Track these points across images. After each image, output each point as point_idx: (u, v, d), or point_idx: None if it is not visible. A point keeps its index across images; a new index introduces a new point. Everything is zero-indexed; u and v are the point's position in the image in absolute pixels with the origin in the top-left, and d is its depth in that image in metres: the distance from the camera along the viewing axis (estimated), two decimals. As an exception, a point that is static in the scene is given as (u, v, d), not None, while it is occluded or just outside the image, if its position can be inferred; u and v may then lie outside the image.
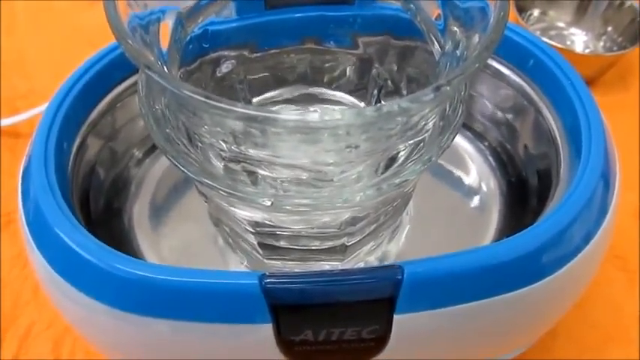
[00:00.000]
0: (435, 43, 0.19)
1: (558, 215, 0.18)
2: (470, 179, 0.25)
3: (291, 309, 0.17)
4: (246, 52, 0.23)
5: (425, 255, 0.17)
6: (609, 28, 0.41)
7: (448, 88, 0.14)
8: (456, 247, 0.21)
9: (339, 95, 0.24)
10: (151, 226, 0.23)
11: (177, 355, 0.19)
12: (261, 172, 0.18)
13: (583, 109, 0.21)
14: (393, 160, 0.18)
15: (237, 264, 0.23)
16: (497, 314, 0.18)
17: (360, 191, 0.16)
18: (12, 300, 0.31)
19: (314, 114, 0.13)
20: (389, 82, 0.23)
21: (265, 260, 0.22)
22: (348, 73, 0.24)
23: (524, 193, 0.23)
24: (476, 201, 0.24)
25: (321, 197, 0.16)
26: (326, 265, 0.22)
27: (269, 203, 0.16)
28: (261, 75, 0.24)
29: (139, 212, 0.24)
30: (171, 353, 0.19)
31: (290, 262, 0.22)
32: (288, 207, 0.16)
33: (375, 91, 0.23)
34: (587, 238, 0.19)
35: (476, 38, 0.16)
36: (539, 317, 0.20)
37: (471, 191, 0.24)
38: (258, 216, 0.19)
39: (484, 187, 0.24)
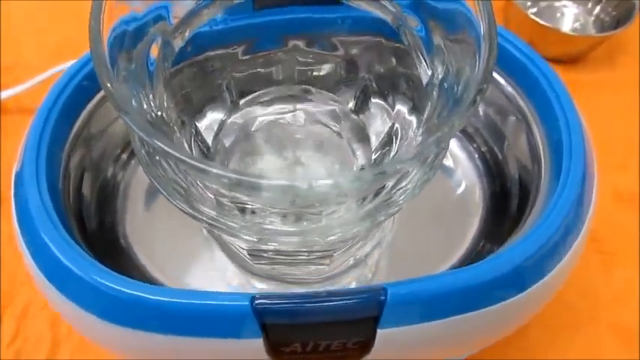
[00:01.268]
0: (422, 61, 0.19)
1: (530, 240, 0.19)
2: (456, 181, 0.26)
3: (280, 327, 0.18)
4: (233, 54, 0.23)
5: (407, 253, 0.18)
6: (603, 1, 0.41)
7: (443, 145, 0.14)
8: (436, 247, 0.22)
9: (325, 95, 0.24)
10: (143, 227, 0.24)
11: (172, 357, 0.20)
12: (249, 206, 0.18)
13: (567, 129, 0.21)
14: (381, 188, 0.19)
15: (228, 267, 0.24)
16: (472, 326, 0.19)
17: (352, 224, 0.17)
18: (8, 280, 0.32)
19: (302, 183, 0.14)
20: (373, 84, 0.23)
21: (254, 264, 0.23)
22: (333, 73, 0.24)
23: (506, 201, 0.23)
24: (460, 202, 0.25)
25: (309, 231, 0.17)
26: (312, 268, 0.23)
27: (255, 239, 0.17)
28: (248, 75, 0.24)
29: (131, 217, 0.24)
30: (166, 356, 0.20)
31: (278, 266, 0.23)
32: (274, 243, 0.17)
33: (359, 93, 0.24)
34: (559, 258, 0.20)
35: (466, 71, 0.16)
36: (514, 323, 0.21)
37: (455, 192, 0.25)
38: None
39: (469, 190, 0.25)
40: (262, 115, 0.25)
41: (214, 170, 0.13)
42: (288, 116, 0.25)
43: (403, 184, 0.17)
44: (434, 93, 0.18)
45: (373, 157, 0.23)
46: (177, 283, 0.23)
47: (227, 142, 0.24)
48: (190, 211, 0.18)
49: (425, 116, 0.18)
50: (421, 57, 0.19)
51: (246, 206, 0.18)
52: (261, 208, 0.18)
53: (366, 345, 0.19)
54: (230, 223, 0.17)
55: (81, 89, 0.22)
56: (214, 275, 0.24)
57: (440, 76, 0.18)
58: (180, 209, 0.18)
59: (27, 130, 0.23)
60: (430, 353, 0.21)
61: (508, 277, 0.19)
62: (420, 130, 0.18)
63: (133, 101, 0.16)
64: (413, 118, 0.20)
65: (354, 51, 0.23)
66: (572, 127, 0.22)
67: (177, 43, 0.19)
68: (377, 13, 0.20)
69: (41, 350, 0.30)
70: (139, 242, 0.24)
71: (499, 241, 0.22)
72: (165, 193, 0.18)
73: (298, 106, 0.25)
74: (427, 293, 0.18)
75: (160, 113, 0.18)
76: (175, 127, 0.19)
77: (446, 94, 0.17)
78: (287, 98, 0.25)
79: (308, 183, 0.13)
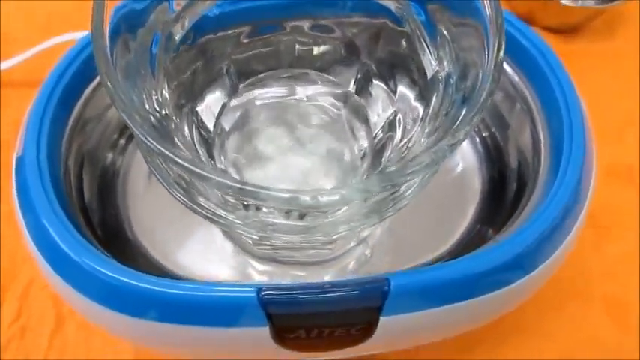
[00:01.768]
0: (427, 51, 0.19)
1: (532, 228, 0.19)
2: (455, 163, 0.26)
3: (285, 316, 0.19)
4: (233, 37, 0.22)
5: (406, 232, 0.19)
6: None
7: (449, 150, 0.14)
8: (434, 228, 0.23)
9: (325, 77, 0.24)
10: (144, 211, 0.24)
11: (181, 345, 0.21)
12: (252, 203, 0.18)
13: (568, 117, 0.21)
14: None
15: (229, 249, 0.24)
16: (474, 310, 0.20)
17: (358, 221, 0.17)
18: (9, 258, 0.32)
19: (305, 196, 0.14)
20: (374, 67, 0.23)
21: (256, 248, 0.23)
22: (334, 55, 0.23)
23: (504, 186, 0.24)
24: (459, 185, 0.25)
25: (314, 227, 0.17)
26: (314, 252, 0.23)
27: (257, 237, 0.17)
28: (248, 58, 0.23)
29: (133, 202, 0.24)
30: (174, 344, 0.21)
31: (280, 250, 0.23)
32: (277, 241, 0.17)
33: (360, 75, 0.23)
34: (560, 241, 0.20)
35: (474, 64, 0.16)
36: (513, 304, 0.22)
37: (454, 175, 0.25)
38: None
39: (468, 173, 0.25)
40: (262, 96, 0.24)
41: (216, 178, 0.13)
42: (288, 97, 0.25)
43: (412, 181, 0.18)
44: (440, 87, 0.18)
45: (375, 142, 0.23)
46: (178, 266, 0.23)
47: (227, 125, 0.24)
48: (191, 204, 0.18)
49: (431, 109, 0.18)
50: (425, 46, 0.19)
51: (250, 203, 0.18)
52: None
53: (369, 330, 0.20)
54: (232, 219, 0.17)
55: (80, 74, 0.22)
56: (215, 258, 0.24)
57: (446, 70, 0.17)
58: (180, 202, 0.18)
59: (26, 115, 0.23)
60: (432, 335, 0.22)
61: (510, 264, 0.19)
62: (428, 125, 0.18)
63: (134, 97, 0.16)
64: (418, 106, 0.20)
65: (355, 32, 0.22)
66: (572, 115, 0.22)
67: (178, 32, 0.19)
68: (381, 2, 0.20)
69: (46, 326, 0.30)
70: (141, 226, 0.24)
71: (496, 225, 0.22)
72: (165, 185, 0.18)
73: (298, 87, 0.25)
74: (429, 283, 0.19)
75: (161, 110, 0.17)
76: (174, 114, 0.19)
77: (454, 89, 0.17)
78: (287, 80, 0.24)
79: (312, 196, 0.14)
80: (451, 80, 0.17)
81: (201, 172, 0.13)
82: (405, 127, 0.20)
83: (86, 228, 0.21)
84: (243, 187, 0.13)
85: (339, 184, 0.24)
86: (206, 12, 0.20)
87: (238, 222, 0.17)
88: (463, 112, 0.15)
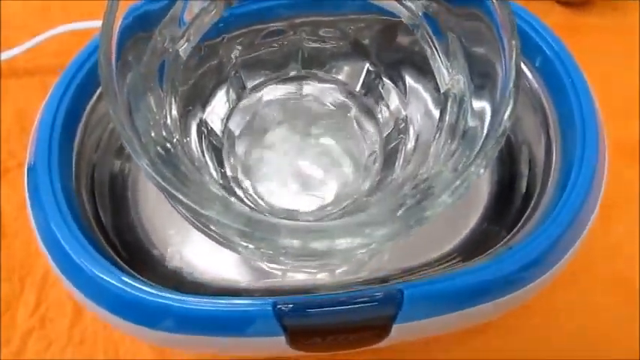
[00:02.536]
0: (438, 59, 0.19)
1: (538, 240, 0.19)
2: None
3: (301, 327, 0.19)
4: (239, 41, 0.22)
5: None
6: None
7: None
8: (440, 229, 0.23)
9: (333, 77, 0.24)
10: (156, 215, 0.24)
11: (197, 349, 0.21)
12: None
13: (580, 112, 0.21)
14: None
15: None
16: (483, 313, 0.21)
17: (380, 244, 0.17)
18: (24, 249, 0.33)
19: (320, 242, 0.14)
20: (383, 68, 0.23)
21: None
22: (342, 56, 0.23)
23: (514, 182, 0.23)
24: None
25: (332, 253, 0.17)
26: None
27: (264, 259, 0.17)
28: (255, 61, 0.23)
29: (144, 206, 0.24)
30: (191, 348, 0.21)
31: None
32: (289, 261, 0.17)
33: (369, 76, 0.23)
34: (578, 236, 0.20)
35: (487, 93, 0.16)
36: (527, 299, 0.22)
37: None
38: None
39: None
40: (270, 97, 0.24)
41: (223, 220, 0.14)
42: (296, 96, 0.25)
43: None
44: (454, 104, 0.18)
45: (385, 143, 0.23)
46: (192, 267, 0.24)
47: (235, 128, 0.24)
48: (198, 224, 0.18)
49: (446, 122, 0.18)
50: (437, 56, 0.19)
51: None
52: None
53: (383, 334, 0.20)
54: (241, 247, 0.17)
55: (87, 83, 0.22)
56: (229, 260, 0.24)
57: (461, 88, 0.17)
58: (184, 219, 0.18)
59: (35, 125, 0.22)
60: (444, 331, 0.23)
61: (524, 270, 0.19)
62: (445, 140, 0.18)
63: (139, 126, 0.16)
64: (432, 114, 0.19)
65: (365, 33, 0.22)
66: (585, 110, 0.21)
67: (185, 48, 0.18)
68: (391, 9, 0.19)
69: (65, 316, 0.31)
70: (154, 231, 0.24)
71: (505, 224, 0.22)
72: (171, 201, 0.18)
73: (306, 87, 0.24)
74: (442, 292, 0.19)
75: (167, 134, 0.17)
76: (182, 130, 0.19)
77: (468, 107, 0.17)
78: (294, 79, 0.24)
79: (328, 246, 0.14)
80: (465, 99, 0.17)
81: (208, 214, 0.14)
82: (418, 135, 0.20)
83: (100, 237, 0.22)
84: (252, 231, 0.14)
85: (351, 184, 0.24)
86: (214, 22, 0.19)
87: (250, 247, 0.17)
88: (482, 139, 0.15)
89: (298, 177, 0.25)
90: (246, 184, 0.23)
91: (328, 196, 0.24)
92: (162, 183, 0.13)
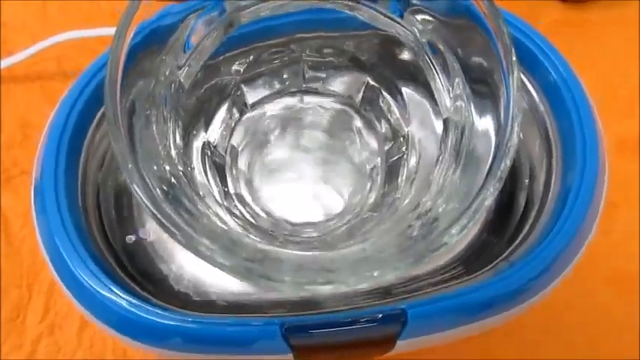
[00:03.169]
0: (439, 82, 0.19)
1: (535, 260, 0.20)
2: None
3: (307, 345, 0.20)
4: (239, 59, 0.22)
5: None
6: None
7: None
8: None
9: (334, 91, 0.24)
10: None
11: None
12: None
13: (580, 126, 0.21)
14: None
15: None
16: (487, 324, 0.21)
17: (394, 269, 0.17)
18: (31, 257, 0.33)
19: (325, 287, 0.14)
20: (384, 85, 0.23)
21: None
22: (342, 72, 0.23)
23: (514, 193, 0.23)
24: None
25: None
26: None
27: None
28: (256, 78, 0.23)
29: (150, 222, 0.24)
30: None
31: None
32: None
33: (368, 91, 0.23)
34: (582, 246, 0.21)
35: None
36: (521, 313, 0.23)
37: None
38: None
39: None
40: (272, 110, 0.24)
41: (227, 263, 0.14)
42: (297, 108, 0.25)
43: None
44: (457, 132, 0.18)
45: (386, 156, 0.23)
46: (200, 284, 0.24)
47: (237, 142, 0.24)
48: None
49: (449, 148, 0.18)
50: (439, 81, 0.19)
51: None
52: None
53: (388, 348, 0.21)
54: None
55: (94, 99, 0.22)
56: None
57: (462, 118, 0.17)
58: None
59: (42, 143, 0.23)
60: (451, 341, 0.23)
61: (527, 286, 0.20)
62: (449, 165, 0.18)
63: (144, 159, 0.16)
64: (435, 135, 0.20)
65: (364, 48, 0.22)
66: (584, 121, 0.21)
67: (189, 76, 0.19)
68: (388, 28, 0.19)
69: (74, 323, 0.32)
70: (161, 244, 0.24)
71: (502, 235, 0.22)
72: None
73: (307, 99, 0.24)
74: (446, 310, 0.19)
75: (171, 166, 0.17)
76: (184, 158, 0.19)
77: (470, 137, 0.17)
78: (296, 93, 0.24)
79: (331, 293, 0.14)
80: (466, 127, 0.17)
81: (212, 258, 0.14)
82: (421, 153, 0.20)
83: (107, 255, 0.22)
84: (256, 278, 0.14)
85: (356, 194, 0.24)
86: (216, 46, 0.19)
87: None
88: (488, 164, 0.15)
89: (301, 188, 0.25)
90: (249, 198, 0.23)
91: (332, 206, 0.24)
92: (167, 224, 0.14)
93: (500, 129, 0.17)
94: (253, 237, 0.19)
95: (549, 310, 0.31)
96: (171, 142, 0.18)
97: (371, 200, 0.23)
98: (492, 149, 0.16)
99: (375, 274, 0.14)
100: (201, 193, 0.19)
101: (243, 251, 0.14)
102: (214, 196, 0.20)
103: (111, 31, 0.17)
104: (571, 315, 0.31)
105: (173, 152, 0.18)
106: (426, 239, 0.15)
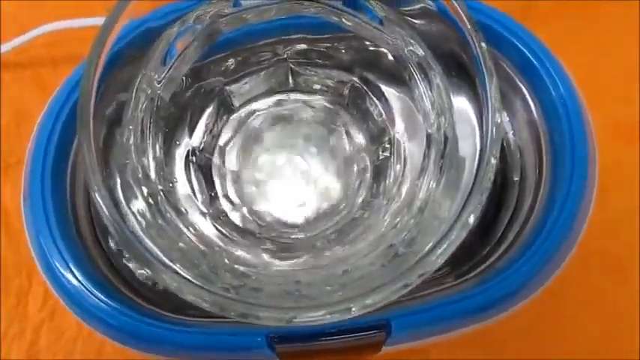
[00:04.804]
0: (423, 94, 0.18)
1: (522, 269, 0.20)
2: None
3: (293, 353, 0.20)
4: (224, 63, 0.22)
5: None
6: None
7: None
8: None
9: (320, 89, 0.24)
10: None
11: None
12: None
13: (567, 117, 0.20)
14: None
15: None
16: (471, 330, 0.21)
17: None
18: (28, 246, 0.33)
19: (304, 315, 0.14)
20: (367, 87, 0.22)
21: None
22: (329, 71, 0.23)
23: (505, 191, 0.23)
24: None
25: None
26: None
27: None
28: (242, 77, 0.23)
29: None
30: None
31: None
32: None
33: (353, 92, 0.23)
34: (573, 245, 0.21)
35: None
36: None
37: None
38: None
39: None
40: (259, 110, 0.24)
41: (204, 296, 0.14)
42: (284, 107, 0.24)
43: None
44: (440, 147, 0.17)
45: (373, 157, 0.23)
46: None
47: (226, 143, 0.24)
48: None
49: (432, 160, 0.18)
50: (423, 91, 0.18)
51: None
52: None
53: (373, 354, 0.21)
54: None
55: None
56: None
57: (443, 133, 0.17)
58: None
59: (27, 155, 0.22)
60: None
61: (515, 293, 0.20)
62: (433, 174, 0.18)
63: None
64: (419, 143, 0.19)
65: (351, 50, 0.21)
66: (575, 130, 0.21)
67: (169, 90, 0.18)
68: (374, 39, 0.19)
69: (74, 311, 0.32)
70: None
71: (487, 239, 0.22)
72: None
73: (293, 97, 0.24)
74: (431, 320, 0.19)
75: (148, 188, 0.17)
76: (166, 168, 0.19)
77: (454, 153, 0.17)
78: (283, 92, 0.24)
79: (313, 321, 0.14)
80: (449, 142, 0.17)
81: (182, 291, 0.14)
82: (407, 158, 0.20)
83: (101, 261, 0.22)
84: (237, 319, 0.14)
85: (343, 191, 0.24)
86: (197, 57, 0.19)
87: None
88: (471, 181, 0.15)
89: (289, 186, 0.25)
90: (236, 199, 0.23)
91: (321, 204, 0.24)
92: (145, 255, 0.14)
93: (482, 145, 0.16)
94: (238, 248, 0.19)
95: (547, 312, 0.31)
96: (151, 158, 0.18)
97: (360, 199, 0.23)
98: (474, 169, 0.16)
99: (353, 307, 0.14)
100: (182, 208, 0.19)
101: (219, 281, 0.14)
102: (198, 207, 0.20)
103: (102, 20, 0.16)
104: (570, 317, 0.31)
105: (152, 171, 0.18)
106: (407, 261, 0.15)
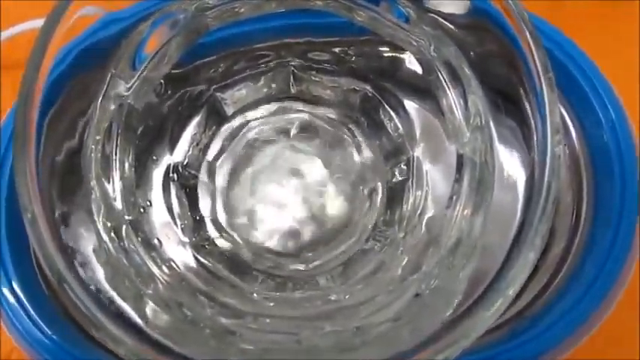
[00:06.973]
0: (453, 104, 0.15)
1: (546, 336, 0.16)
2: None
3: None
4: (214, 67, 0.18)
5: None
6: None
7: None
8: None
9: (325, 99, 0.21)
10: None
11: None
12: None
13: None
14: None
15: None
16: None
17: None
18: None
19: None
20: (383, 97, 0.19)
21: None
22: (337, 78, 0.20)
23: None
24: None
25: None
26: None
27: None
28: (236, 82, 0.19)
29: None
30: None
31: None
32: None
33: (365, 102, 0.20)
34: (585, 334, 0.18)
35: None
36: None
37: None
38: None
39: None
40: (255, 120, 0.21)
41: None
42: (284, 118, 0.21)
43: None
44: (474, 169, 0.14)
45: (388, 177, 0.20)
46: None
47: (216, 158, 0.20)
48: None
49: (464, 186, 0.15)
50: (454, 106, 0.15)
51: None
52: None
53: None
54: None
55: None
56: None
57: (480, 157, 0.14)
58: None
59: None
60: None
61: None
62: (463, 205, 0.15)
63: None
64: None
65: (365, 55, 0.18)
66: (623, 149, 0.18)
67: (141, 99, 0.15)
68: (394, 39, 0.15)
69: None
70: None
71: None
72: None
73: (296, 106, 0.21)
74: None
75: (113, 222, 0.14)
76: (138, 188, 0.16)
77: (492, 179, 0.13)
78: (284, 100, 0.21)
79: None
80: (486, 175, 0.13)
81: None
82: (429, 187, 0.17)
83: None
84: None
85: (349, 215, 0.21)
86: (178, 56, 0.15)
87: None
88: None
89: (287, 206, 0.21)
90: (227, 222, 0.20)
91: (323, 230, 0.21)
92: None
93: (532, 171, 0.13)
94: (223, 291, 0.15)
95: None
96: (117, 179, 0.15)
97: (369, 226, 0.20)
98: (521, 197, 0.13)
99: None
100: (155, 240, 0.16)
101: (196, 341, 0.11)
102: (177, 235, 0.17)
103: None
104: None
105: (118, 196, 0.14)
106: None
